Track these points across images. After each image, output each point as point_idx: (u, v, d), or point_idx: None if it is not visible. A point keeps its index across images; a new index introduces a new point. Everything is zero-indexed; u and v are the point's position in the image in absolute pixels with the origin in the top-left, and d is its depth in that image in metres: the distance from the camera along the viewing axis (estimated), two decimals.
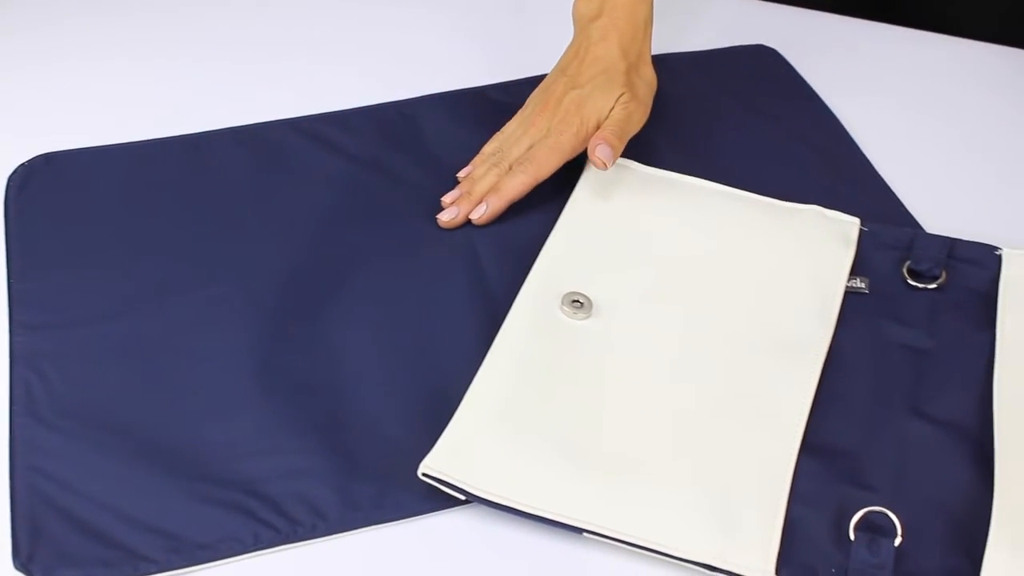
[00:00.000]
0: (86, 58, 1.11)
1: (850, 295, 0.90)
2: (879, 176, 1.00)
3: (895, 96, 1.09)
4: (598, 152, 0.94)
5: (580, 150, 0.96)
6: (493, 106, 1.04)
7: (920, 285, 0.90)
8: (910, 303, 0.90)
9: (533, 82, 1.06)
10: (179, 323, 0.87)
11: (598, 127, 0.95)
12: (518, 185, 0.94)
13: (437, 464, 0.77)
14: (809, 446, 0.80)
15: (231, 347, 0.85)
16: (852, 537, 0.76)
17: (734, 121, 1.04)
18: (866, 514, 0.76)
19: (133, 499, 0.77)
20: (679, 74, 1.08)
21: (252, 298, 0.89)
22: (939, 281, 0.91)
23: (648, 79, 0.99)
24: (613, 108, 0.95)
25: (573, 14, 1.01)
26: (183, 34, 1.14)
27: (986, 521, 0.76)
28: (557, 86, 0.98)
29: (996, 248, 0.93)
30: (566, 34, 1.03)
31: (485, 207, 0.94)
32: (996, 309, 0.88)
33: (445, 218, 0.94)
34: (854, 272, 0.91)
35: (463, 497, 0.77)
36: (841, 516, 0.77)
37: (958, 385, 0.85)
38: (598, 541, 0.76)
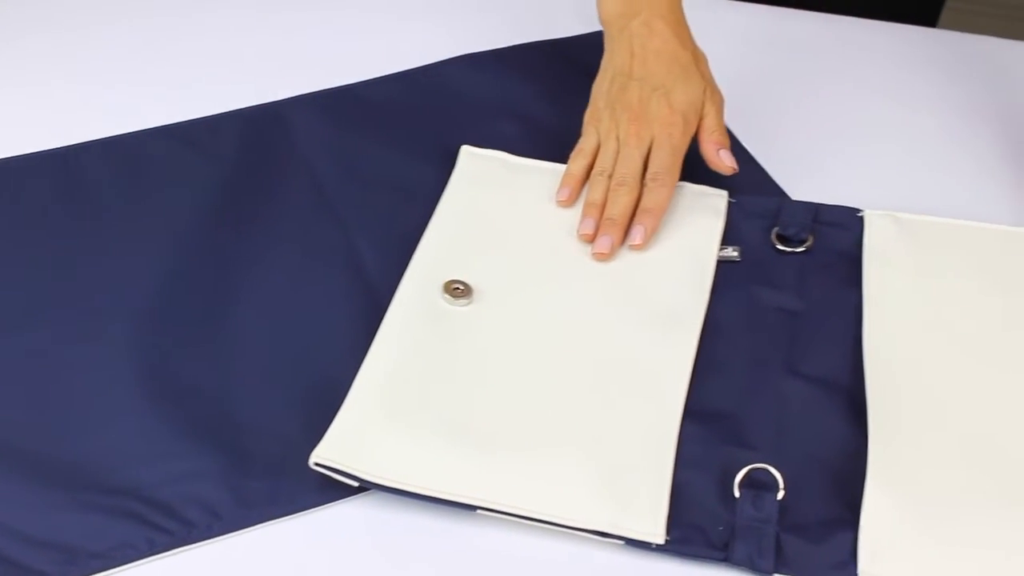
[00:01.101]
0: None
1: (723, 264, 0.92)
2: (744, 148, 1.03)
3: (757, 69, 1.12)
4: (725, 160, 0.96)
5: (688, 146, 0.96)
6: (361, 103, 1.05)
7: (788, 249, 0.93)
8: (780, 267, 0.92)
9: (400, 78, 1.07)
10: (59, 337, 0.86)
11: (697, 118, 0.96)
12: (666, 199, 0.93)
13: (328, 453, 0.78)
14: (692, 412, 0.83)
15: (113, 357, 0.85)
16: (737, 494, 0.78)
17: None
18: (749, 471, 0.79)
19: (22, 515, 0.76)
20: (538, 63, 1.10)
21: (132, 307, 0.88)
22: (806, 244, 0.94)
23: (704, 59, 0.99)
24: (704, 104, 0.96)
25: (601, 15, 0.99)
26: (51, 49, 1.12)
27: (863, 470, 0.79)
28: (631, 93, 0.96)
29: (858, 210, 0.96)
30: (423, 29, 1.05)
31: (643, 230, 0.92)
32: (861, 268, 0.92)
33: (603, 250, 0.91)
34: (725, 242, 0.94)
35: (356, 484, 0.78)
36: (726, 476, 0.79)
37: (829, 342, 0.88)
38: (491, 518, 0.77)
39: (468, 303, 0.88)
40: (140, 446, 0.80)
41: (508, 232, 0.94)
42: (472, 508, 0.77)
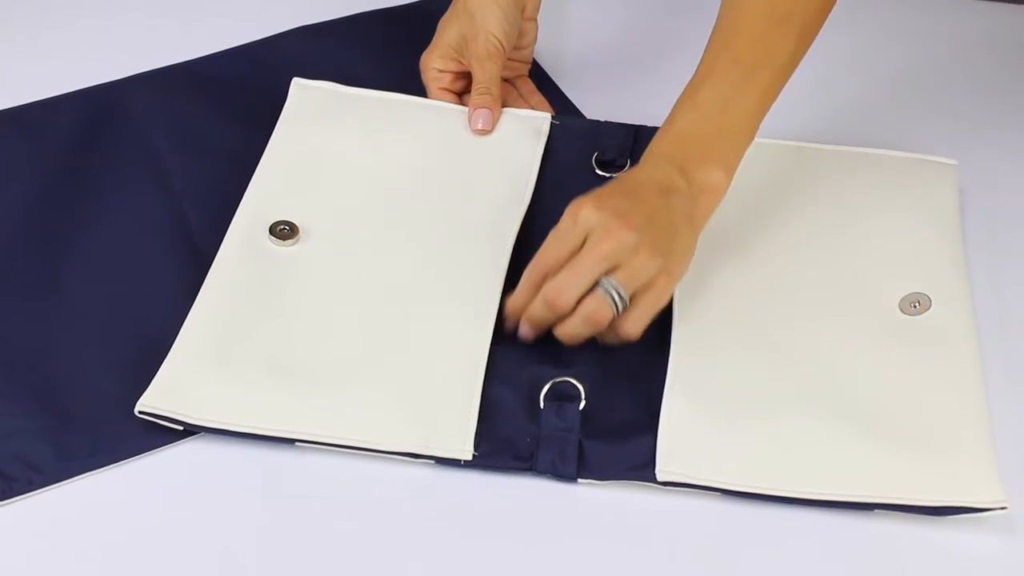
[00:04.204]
0: None
1: (546, 187, 0.94)
2: (542, 69, 1.06)
3: None
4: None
5: None
6: (200, 79, 1.06)
7: (608, 174, 0.95)
8: None
9: (238, 52, 1.08)
10: None
11: None
12: None
13: (154, 400, 0.80)
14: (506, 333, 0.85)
15: None
16: (543, 407, 0.80)
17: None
18: (554, 385, 0.81)
19: None
20: (371, 33, 1.11)
21: None
22: (626, 168, 0.95)
23: None
24: None
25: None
26: None
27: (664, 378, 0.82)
28: None
29: None
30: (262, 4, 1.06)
31: None
32: None
33: None
34: (548, 163, 0.95)
35: (181, 428, 0.80)
36: (535, 391, 0.81)
37: None
38: (312, 448, 0.80)
39: (294, 243, 0.90)
40: None
41: (337, 167, 0.95)
42: (291, 441, 0.80)
